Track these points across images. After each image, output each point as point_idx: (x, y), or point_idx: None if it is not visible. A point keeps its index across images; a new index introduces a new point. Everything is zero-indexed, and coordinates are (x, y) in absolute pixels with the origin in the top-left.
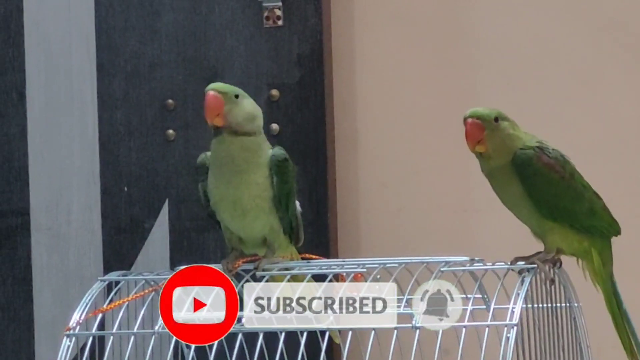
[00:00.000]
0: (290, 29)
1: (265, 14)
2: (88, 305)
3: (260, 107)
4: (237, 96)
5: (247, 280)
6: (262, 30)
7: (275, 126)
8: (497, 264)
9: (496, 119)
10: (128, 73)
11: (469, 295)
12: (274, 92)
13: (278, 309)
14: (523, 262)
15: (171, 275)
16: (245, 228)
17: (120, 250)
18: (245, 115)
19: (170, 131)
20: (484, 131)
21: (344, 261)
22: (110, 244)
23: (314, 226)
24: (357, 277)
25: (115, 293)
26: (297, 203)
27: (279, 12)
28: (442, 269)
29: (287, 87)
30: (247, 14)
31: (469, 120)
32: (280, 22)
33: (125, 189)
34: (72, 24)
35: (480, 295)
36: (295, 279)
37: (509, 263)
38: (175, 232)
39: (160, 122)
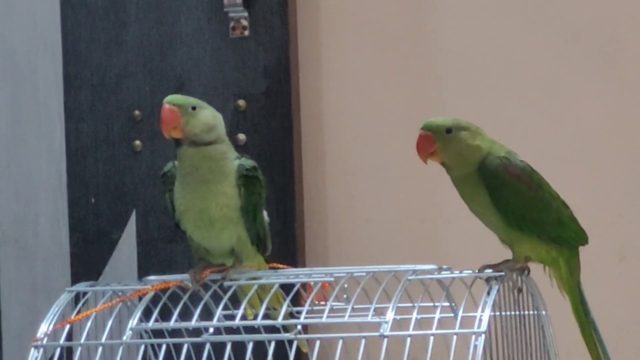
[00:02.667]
0: (256, 40)
1: (232, 24)
2: (56, 316)
3: (226, 117)
4: (194, 108)
5: (215, 290)
6: (228, 41)
7: (242, 136)
8: (464, 272)
9: (449, 130)
10: (94, 84)
11: (436, 304)
12: (241, 102)
13: (246, 319)
14: (491, 270)
15: (139, 286)
16: (212, 238)
17: (88, 261)
18: (203, 126)
19: (137, 142)
20: (434, 143)
21: (311, 270)
22: (77, 256)
23: (281, 236)
24: (325, 286)
25: (83, 304)
26: (265, 213)
27: (245, 23)
28: (409, 278)
29: (254, 97)
30: (213, 25)
31: (421, 133)
32: (246, 33)
33: (93, 200)
34: (38, 35)
35: (448, 304)
36: (263, 288)
37: (477, 271)
38: (142, 243)
39: (127, 134)
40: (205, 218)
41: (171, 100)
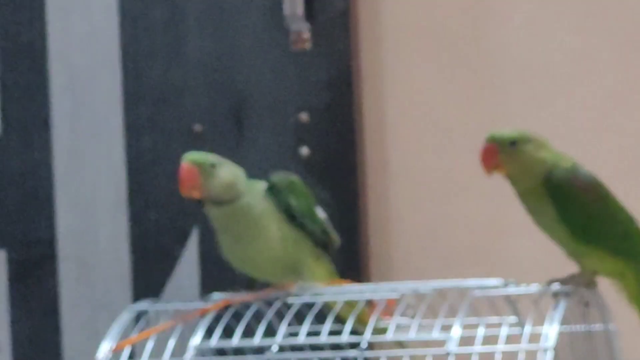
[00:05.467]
0: (318, 52)
1: (293, 37)
2: (117, 335)
3: (289, 130)
4: (213, 165)
5: (280, 309)
6: (289, 54)
7: (305, 150)
8: (531, 286)
9: (513, 142)
10: (154, 99)
11: (503, 319)
12: (303, 115)
13: (313, 335)
14: (558, 284)
15: (201, 304)
16: (268, 275)
17: (148, 278)
18: (224, 185)
19: None
20: (498, 155)
21: (376, 286)
22: (138, 272)
23: (344, 252)
24: (390, 303)
25: (145, 322)
26: (318, 209)
27: (306, 35)
28: (475, 294)
29: (316, 110)
30: (274, 37)
31: (486, 145)
32: (307, 45)
33: (153, 215)
34: (97, 50)
35: (514, 319)
36: (350, 303)
37: (544, 285)
38: (204, 259)
39: (187, 148)
40: (256, 270)
41: (190, 159)
